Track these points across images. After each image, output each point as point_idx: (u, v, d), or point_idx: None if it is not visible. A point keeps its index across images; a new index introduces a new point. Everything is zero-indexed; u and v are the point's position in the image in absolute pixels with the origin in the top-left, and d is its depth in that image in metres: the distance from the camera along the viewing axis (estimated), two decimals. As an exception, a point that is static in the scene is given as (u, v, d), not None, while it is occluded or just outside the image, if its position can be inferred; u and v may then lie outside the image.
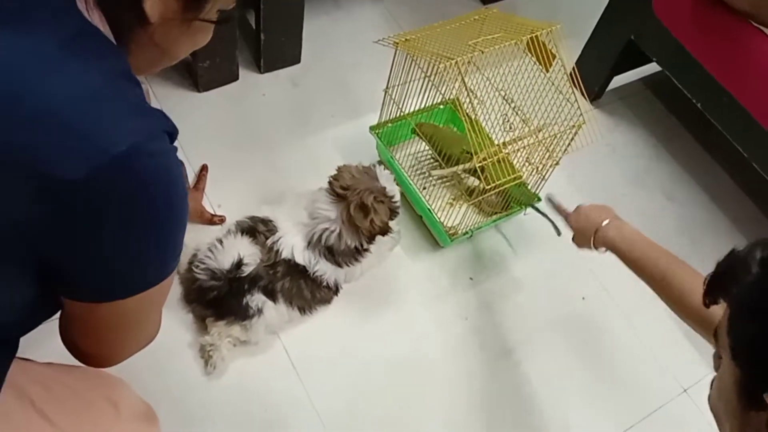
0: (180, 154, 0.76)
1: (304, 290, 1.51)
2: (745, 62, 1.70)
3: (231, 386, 1.47)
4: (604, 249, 1.36)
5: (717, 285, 0.77)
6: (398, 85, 1.68)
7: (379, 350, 1.58)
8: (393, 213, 1.55)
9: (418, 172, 1.86)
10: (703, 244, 1.89)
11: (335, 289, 1.57)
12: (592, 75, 2.08)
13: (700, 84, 1.83)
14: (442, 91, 1.72)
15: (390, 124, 1.80)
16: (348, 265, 1.54)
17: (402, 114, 1.76)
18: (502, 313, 1.70)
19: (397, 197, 1.55)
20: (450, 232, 1.68)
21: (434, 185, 1.83)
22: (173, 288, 1.48)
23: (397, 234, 1.67)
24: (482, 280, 1.75)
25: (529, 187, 1.74)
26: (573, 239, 1.46)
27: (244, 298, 1.43)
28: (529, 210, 1.74)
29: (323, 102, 1.98)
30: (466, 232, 1.71)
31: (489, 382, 1.60)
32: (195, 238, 1.50)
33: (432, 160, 1.85)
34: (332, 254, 1.50)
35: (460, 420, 1.53)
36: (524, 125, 1.67)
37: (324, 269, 1.51)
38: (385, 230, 1.53)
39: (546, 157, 1.64)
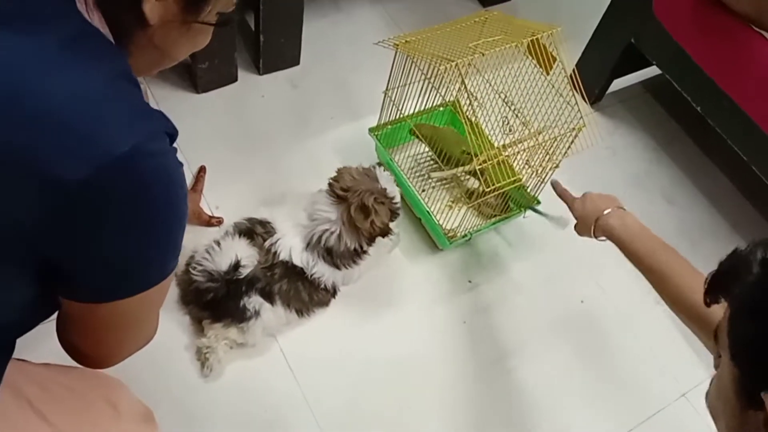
0: (178, 156, 0.76)
1: (301, 292, 1.51)
2: (745, 66, 1.70)
3: (229, 387, 1.46)
4: (603, 237, 1.35)
5: (718, 284, 0.77)
6: (398, 87, 1.68)
7: (377, 352, 1.58)
8: (393, 214, 1.55)
9: (417, 174, 1.86)
10: (703, 248, 1.89)
11: (333, 292, 1.57)
12: (593, 78, 2.08)
13: (700, 87, 1.83)
14: (442, 94, 1.72)
15: (389, 126, 1.80)
16: (346, 268, 1.54)
17: (401, 116, 1.76)
18: (500, 316, 1.70)
19: (398, 198, 1.55)
20: (449, 234, 1.68)
21: (433, 187, 1.83)
22: (171, 289, 1.48)
23: (395, 236, 1.67)
24: (481, 282, 1.74)
25: (528, 189, 1.73)
26: (575, 227, 1.45)
27: (241, 300, 1.42)
28: (529, 213, 1.74)
29: (322, 104, 1.98)
30: (465, 235, 1.70)
31: (487, 384, 1.60)
32: (192, 239, 1.50)
33: (431, 162, 1.85)
34: (331, 256, 1.50)
35: (459, 422, 1.53)
36: (524, 128, 1.67)
37: (322, 271, 1.51)
38: (385, 231, 1.53)
39: (546, 159, 1.63)
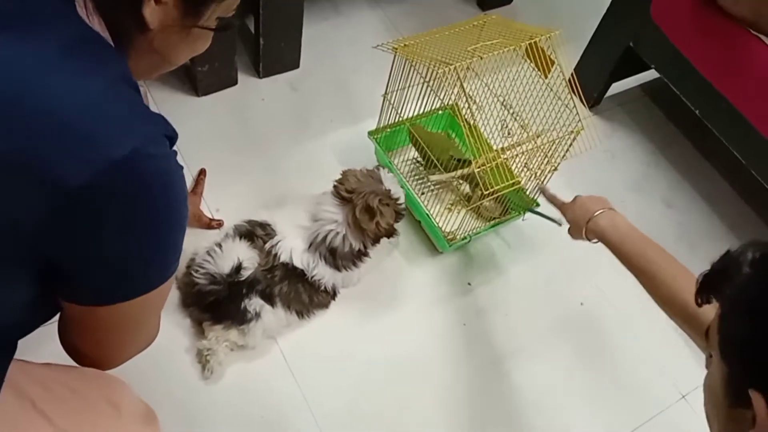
0: (178, 158, 0.77)
1: (302, 294, 1.51)
2: (743, 69, 1.70)
3: (230, 389, 1.47)
4: (596, 239, 1.35)
5: (710, 284, 0.78)
6: (397, 91, 1.68)
7: (376, 354, 1.58)
8: (398, 215, 1.57)
9: (417, 177, 1.86)
10: (702, 250, 1.89)
11: (333, 294, 1.58)
12: (591, 81, 2.09)
13: (698, 91, 1.84)
14: (441, 97, 1.72)
15: (389, 130, 1.81)
16: (347, 269, 1.54)
17: (401, 119, 1.77)
18: (500, 318, 1.70)
19: (402, 199, 1.57)
20: (448, 237, 1.68)
21: (432, 190, 1.83)
22: (171, 292, 1.49)
23: (395, 239, 1.68)
24: (481, 285, 1.75)
25: (527, 192, 1.74)
26: (568, 231, 1.46)
27: (242, 302, 1.43)
28: (528, 215, 1.74)
29: (322, 107, 1.98)
30: (465, 238, 1.71)
31: (487, 385, 1.60)
32: (193, 242, 1.50)
33: (417, 165, 1.86)
34: (334, 257, 1.51)
35: (458, 423, 1.53)
36: (523, 131, 1.68)
37: (322, 273, 1.51)
38: (390, 232, 1.55)
39: (544, 162, 1.64)
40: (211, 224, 1.65)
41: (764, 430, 0.67)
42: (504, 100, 1.69)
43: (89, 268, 0.76)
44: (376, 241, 1.54)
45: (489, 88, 1.67)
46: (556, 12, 2.41)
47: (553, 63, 1.52)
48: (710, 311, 0.76)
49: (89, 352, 0.90)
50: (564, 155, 1.61)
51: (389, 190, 1.53)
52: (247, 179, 1.78)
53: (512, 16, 2.23)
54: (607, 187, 2.01)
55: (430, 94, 1.67)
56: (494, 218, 1.77)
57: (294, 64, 2.03)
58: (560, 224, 1.61)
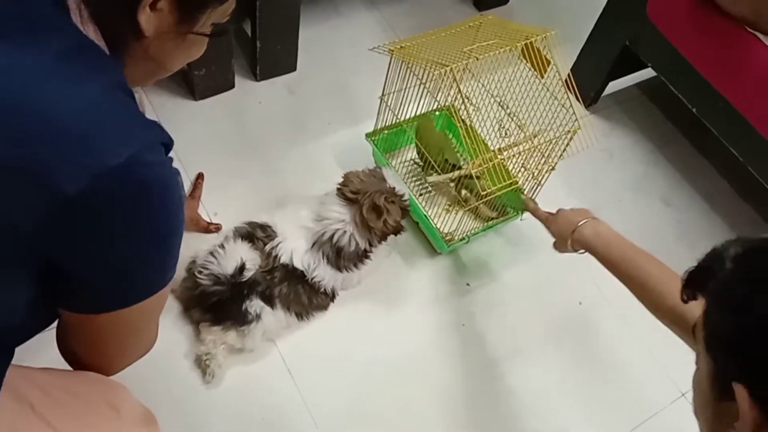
0: (176, 163, 0.77)
1: (301, 296, 1.51)
2: (740, 67, 1.70)
3: (229, 392, 1.47)
4: (582, 250, 1.37)
5: (695, 280, 0.80)
6: (394, 93, 1.68)
7: (375, 355, 1.58)
8: (404, 212, 1.58)
9: (415, 178, 1.86)
10: (701, 249, 1.87)
11: (332, 296, 1.58)
12: (588, 80, 2.09)
13: (696, 89, 1.84)
14: (438, 98, 1.72)
15: (386, 131, 1.81)
16: (348, 270, 1.55)
17: (398, 121, 1.77)
18: (499, 318, 1.71)
19: (407, 196, 1.57)
20: (447, 238, 1.69)
21: (430, 191, 1.83)
22: (170, 299, 1.49)
23: (401, 235, 1.68)
24: (479, 285, 1.75)
25: (525, 192, 1.74)
26: (554, 245, 1.48)
27: (243, 304, 1.43)
28: (526, 215, 1.74)
29: (320, 109, 1.99)
30: (463, 238, 1.71)
31: (486, 386, 1.60)
32: (191, 246, 1.50)
33: (413, 165, 1.86)
34: (338, 256, 1.51)
35: (457, 424, 1.54)
36: (520, 131, 1.68)
37: (322, 275, 1.52)
38: (398, 229, 1.56)
39: (542, 162, 1.64)
40: (209, 228, 1.65)
41: (747, 422, 0.68)
42: (501, 100, 1.69)
43: (89, 270, 0.76)
44: (383, 238, 1.56)
45: (486, 89, 1.67)
46: (553, 12, 2.41)
47: (549, 63, 1.52)
48: (698, 311, 0.78)
49: (88, 359, 0.91)
50: (561, 155, 1.61)
51: (393, 188, 1.54)
52: (245, 182, 1.78)
53: (509, 17, 2.24)
54: (606, 187, 2.02)
55: (426, 95, 1.67)
56: (492, 219, 1.77)
57: (291, 66, 2.03)
58: None
